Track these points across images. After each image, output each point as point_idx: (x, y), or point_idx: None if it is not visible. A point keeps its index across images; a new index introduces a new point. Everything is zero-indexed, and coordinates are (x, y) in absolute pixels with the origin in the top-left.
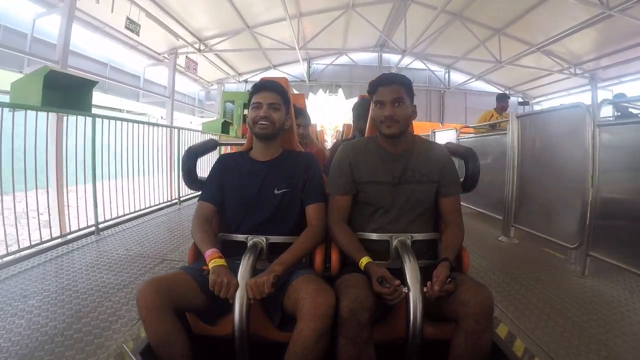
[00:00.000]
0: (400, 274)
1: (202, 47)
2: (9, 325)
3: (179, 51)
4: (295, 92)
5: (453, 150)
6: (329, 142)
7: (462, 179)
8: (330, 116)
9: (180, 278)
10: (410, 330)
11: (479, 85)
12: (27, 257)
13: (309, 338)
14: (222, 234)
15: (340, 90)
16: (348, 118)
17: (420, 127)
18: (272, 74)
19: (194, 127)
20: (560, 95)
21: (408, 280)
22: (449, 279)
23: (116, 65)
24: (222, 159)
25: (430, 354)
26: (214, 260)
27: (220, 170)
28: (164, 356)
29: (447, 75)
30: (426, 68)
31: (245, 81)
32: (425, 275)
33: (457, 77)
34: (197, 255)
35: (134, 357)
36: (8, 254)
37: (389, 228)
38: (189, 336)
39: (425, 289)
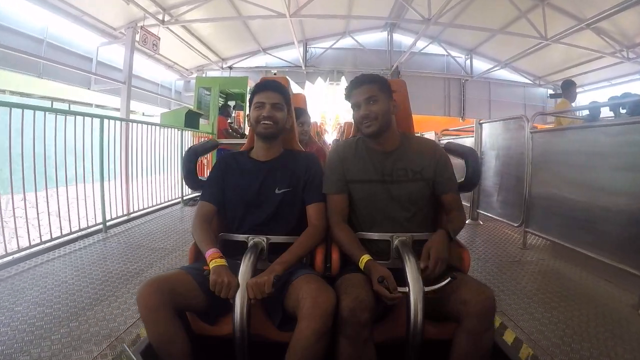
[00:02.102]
0: (400, 273)
1: (167, 18)
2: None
3: (139, 24)
4: (295, 87)
5: (453, 149)
6: (330, 135)
7: (463, 179)
8: (331, 108)
9: (181, 278)
10: (411, 329)
11: (503, 74)
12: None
13: (310, 338)
14: (223, 233)
15: (343, 79)
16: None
17: (428, 124)
18: (261, 59)
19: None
20: (602, 86)
21: (409, 280)
22: (450, 278)
23: (57, 42)
24: (223, 158)
25: (431, 354)
26: (214, 260)
27: (220, 170)
28: (164, 356)
29: (468, 62)
30: (445, 53)
31: (230, 67)
32: (426, 275)
33: (479, 65)
34: (198, 255)
35: (134, 357)
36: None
37: (389, 227)
38: (189, 336)
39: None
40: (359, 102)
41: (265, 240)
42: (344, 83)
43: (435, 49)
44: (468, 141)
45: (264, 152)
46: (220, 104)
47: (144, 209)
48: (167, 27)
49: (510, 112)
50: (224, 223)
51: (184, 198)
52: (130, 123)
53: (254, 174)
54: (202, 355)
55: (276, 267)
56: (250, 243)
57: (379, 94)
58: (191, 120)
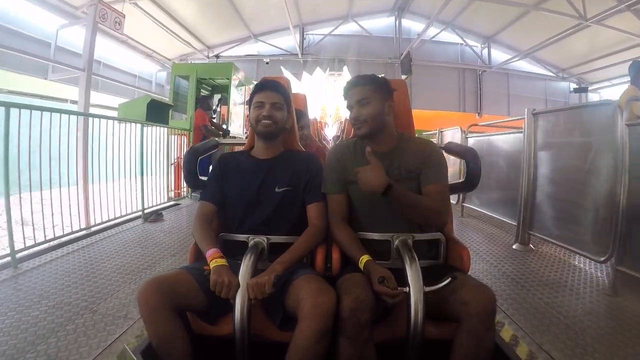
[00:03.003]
0: (401, 274)
1: None
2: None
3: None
4: (292, 80)
5: (453, 150)
6: (330, 128)
7: (463, 179)
8: (331, 102)
9: (181, 278)
10: (411, 330)
11: (523, 65)
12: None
13: (310, 338)
14: (223, 233)
15: (345, 69)
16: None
17: (441, 121)
18: (253, 47)
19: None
20: (626, 82)
21: (409, 280)
22: (450, 278)
23: (9, 24)
24: (223, 158)
25: (431, 354)
26: (215, 260)
27: (221, 170)
28: (164, 356)
29: (485, 52)
30: (459, 42)
31: (217, 57)
32: (427, 275)
33: (496, 56)
34: (198, 255)
35: (134, 357)
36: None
37: (388, 227)
38: (189, 336)
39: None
40: (352, 104)
41: (265, 240)
42: (346, 74)
43: (448, 36)
44: (512, 139)
45: (264, 151)
46: (202, 96)
47: (90, 227)
48: (135, 4)
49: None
50: (224, 223)
51: (145, 212)
52: (91, 118)
53: (254, 173)
54: (202, 355)
55: (276, 267)
56: (251, 243)
57: (373, 95)
58: (156, 112)
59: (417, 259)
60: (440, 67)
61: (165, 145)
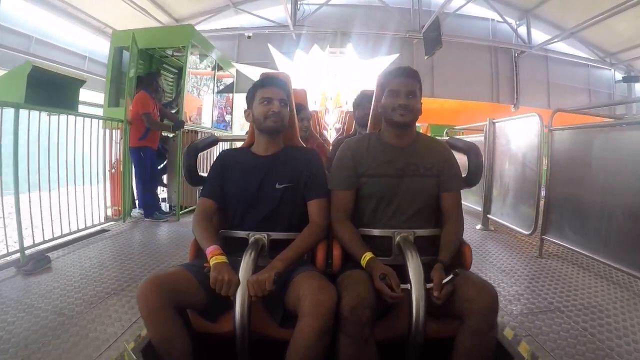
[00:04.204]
0: (402, 270)
1: None
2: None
3: None
4: (283, 61)
5: (454, 145)
6: (331, 115)
7: (465, 174)
8: (331, 85)
9: (181, 275)
10: (413, 327)
11: (562, 48)
12: None
13: (310, 336)
14: (223, 230)
15: (349, 46)
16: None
17: (461, 114)
18: (233, 20)
19: None
20: None
21: (411, 277)
22: (452, 276)
23: None
24: (223, 154)
25: (433, 352)
26: (215, 257)
27: (221, 166)
28: (165, 354)
29: (522, 29)
30: (492, 16)
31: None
32: (428, 271)
33: (534, 35)
34: (198, 252)
35: (134, 356)
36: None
37: (392, 223)
38: (190, 334)
39: (430, 288)
40: (399, 91)
41: (266, 236)
42: (350, 51)
43: (477, 10)
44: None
45: (265, 147)
46: (147, 73)
47: None
48: None
49: (574, 100)
50: (224, 220)
51: (25, 253)
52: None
53: (254, 169)
54: (203, 353)
55: (277, 264)
56: (251, 240)
57: (417, 92)
58: (51, 91)
59: (418, 255)
60: (469, 47)
61: (98, 143)
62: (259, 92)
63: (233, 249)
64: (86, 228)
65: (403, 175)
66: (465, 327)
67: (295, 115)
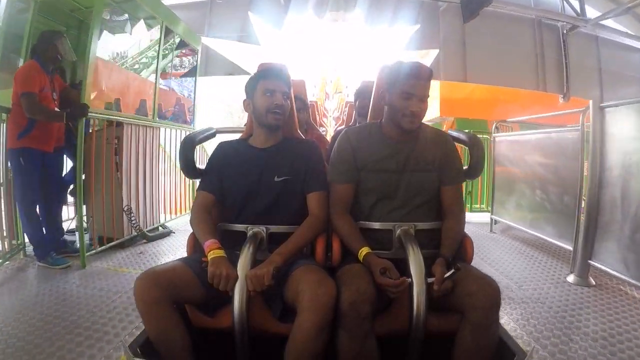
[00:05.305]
0: (403, 264)
1: None
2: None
3: None
4: (268, 33)
5: (455, 137)
6: (331, 101)
7: (466, 167)
8: (331, 67)
9: (179, 270)
10: (414, 322)
11: (614, 26)
12: None
13: (310, 331)
14: (222, 223)
15: (357, 9)
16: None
17: (497, 106)
18: None
19: None
20: None
21: (412, 271)
22: (453, 270)
23: None
24: (221, 147)
25: (434, 346)
26: (213, 251)
27: (219, 159)
28: (163, 350)
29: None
30: None
31: None
32: (429, 265)
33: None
34: (196, 246)
35: (131, 352)
36: None
37: (392, 217)
38: (188, 329)
39: (431, 283)
40: (411, 94)
41: (264, 230)
42: (358, 16)
43: None
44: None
45: (264, 139)
46: (44, 32)
47: None
48: None
49: (628, 92)
50: (223, 213)
51: None
52: None
53: (253, 162)
54: (202, 348)
55: (276, 258)
56: (250, 233)
57: (429, 94)
58: None
59: (419, 248)
60: (509, 20)
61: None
62: (262, 83)
63: (231, 243)
64: None
65: (404, 170)
66: (466, 322)
67: (294, 106)
